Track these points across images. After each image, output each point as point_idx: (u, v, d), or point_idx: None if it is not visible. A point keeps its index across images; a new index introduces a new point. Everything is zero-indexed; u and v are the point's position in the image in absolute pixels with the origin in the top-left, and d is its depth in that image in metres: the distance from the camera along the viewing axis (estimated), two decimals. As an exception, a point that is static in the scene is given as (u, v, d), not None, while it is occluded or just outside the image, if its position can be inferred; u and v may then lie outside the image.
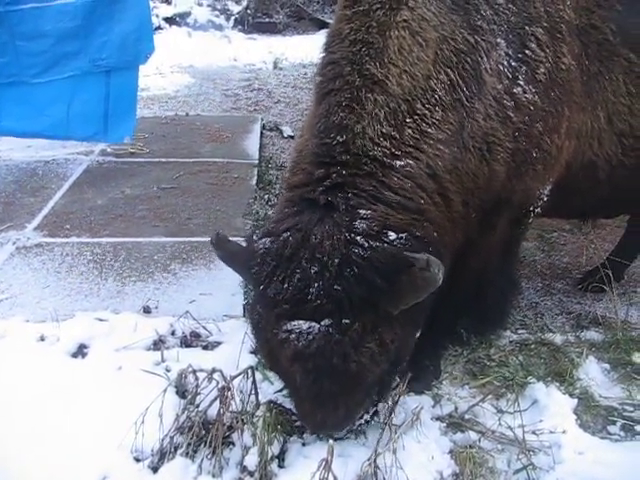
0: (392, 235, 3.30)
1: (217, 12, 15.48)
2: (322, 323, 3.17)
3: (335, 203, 3.36)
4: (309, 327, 3.18)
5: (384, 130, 3.48)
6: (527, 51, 3.75)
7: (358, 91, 3.51)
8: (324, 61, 3.74)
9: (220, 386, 3.66)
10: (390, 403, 3.75)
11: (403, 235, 3.33)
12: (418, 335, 4.38)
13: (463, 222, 3.76)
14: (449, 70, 3.61)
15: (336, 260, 3.19)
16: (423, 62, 3.57)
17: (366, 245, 3.23)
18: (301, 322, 3.19)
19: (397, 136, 3.49)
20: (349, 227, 3.27)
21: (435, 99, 3.56)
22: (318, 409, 3.37)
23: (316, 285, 3.18)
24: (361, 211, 3.33)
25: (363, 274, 3.17)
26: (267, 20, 15.67)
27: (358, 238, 3.24)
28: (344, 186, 3.40)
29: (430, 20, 3.60)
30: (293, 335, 3.20)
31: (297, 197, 3.51)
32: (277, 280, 3.26)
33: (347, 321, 3.16)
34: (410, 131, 3.51)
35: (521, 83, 3.71)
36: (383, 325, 3.24)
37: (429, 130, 3.53)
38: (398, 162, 3.47)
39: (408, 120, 3.51)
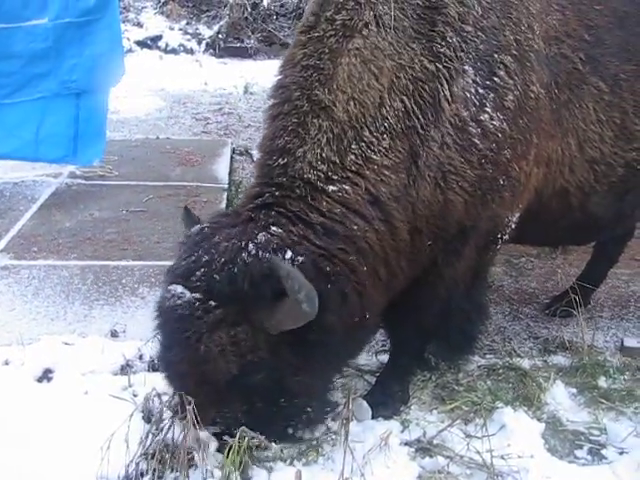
0: (288, 254, 3.40)
1: (189, 36, 15.50)
2: (193, 294, 3.36)
3: (255, 219, 3.52)
4: (182, 292, 3.40)
5: (324, 155, 3.57)
6: (495, 78, 3.79)
7: (305, 116, 3.61)
8: (276, 85, 3.85)
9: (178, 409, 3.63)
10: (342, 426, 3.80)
11: (300, 258, 3.41)
12: (391, 360, 4.41)
13: (412, 250, 3.79)
14: (405, 98, 3.65)
15: (223, 259, 3.35)
16: (374, 90, 3.62)
17: (253, 252, 3.37)
18: (179, 287, 3.41)
19: (337, 161, 3.57)
20: (250, 236, 3.42)
21: (385, 127, 3.61)
22: (172, 379, 3.58)
23: (202, 270, 3.40)
24: (273, 227, 3.47)
25: (237, 275, 3.31)
26: (238, 45, 15.69)
27: (251, 246, 3.38)
28: (272, 205, 3.55)
29: (384, 49, 3.65)
30: (168, 295, 3.46)
31: (232, 209, 3.83)
32: (181, 257, 3.54)
33: (212, 303, 3.33)
34: (353, 157, 3.59)
35: (488, 110, 3.75)
36: (244, 327, 3.36)
37: (374, 157, 3.60)
38: (331, 187, 3.56)
39: (354, 146, 3.59)
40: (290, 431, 3.76)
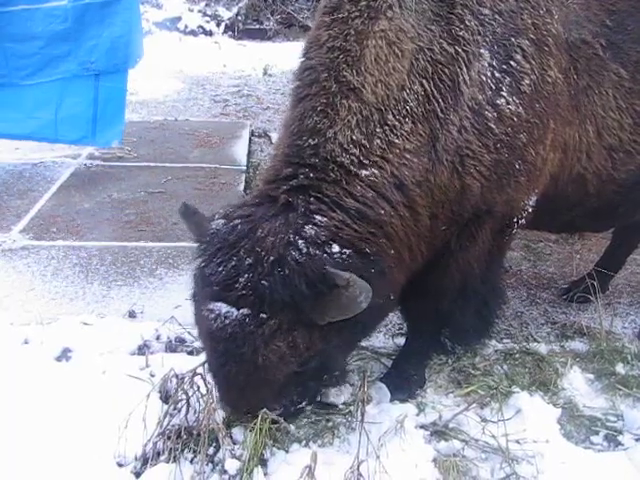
0: (335, 248, 3.36)
1: (208, 18, 15.48)
2: (241, 311, 3.26)
3: (294, 204, 3.44)
4: (227, 312, 3.28)
5: (354, 137, 3.54)
6: (512, 62, 3.75)
7: (333, 97, 3.57)
8: (302, 66, 3.80)
9: (201, 390, 3.67)
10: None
11: (347, 251, 3.38)
12: (408, 343, 4.42)
13: (430, 235, 3.79)
14: (424, 81, 3.63)
15: (271, 258, 3.27)
16: (398, 72, 3.60)
17: (304, 251, 3.29)
18: (222, 305, 3.30)
19: (366, 144, 3.55)
20: (297, 229, 3.35)
21: (407, 110, 3.59)
22: (227, 391, 3.48)
23: (246, 276, 3.27)
24: (317, 217, 3.41)
25: (291, 277, 3.24)
26: (257, 26, 15.68)
27: (300, 242, 3.31)
28: (308, 189, 3.49)
29: (407, 31, 3.63)
30: (212, 315, 3.32)
31: (261, 191, 3.64)
32: (215, 261, 3.37)
33: (264, 316, 3.25)
34: (379, 141, 3.56)
35: (504, 94, 3.72)
36: (300, 330, 3.32)
37: (396, 141, 3.57)
38: (364, 171, 3.54)
39: (378, 130, 3.56)
40: (319, 398, 3.93)
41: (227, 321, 3.27)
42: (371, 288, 3.29)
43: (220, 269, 3.33)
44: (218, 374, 3.47)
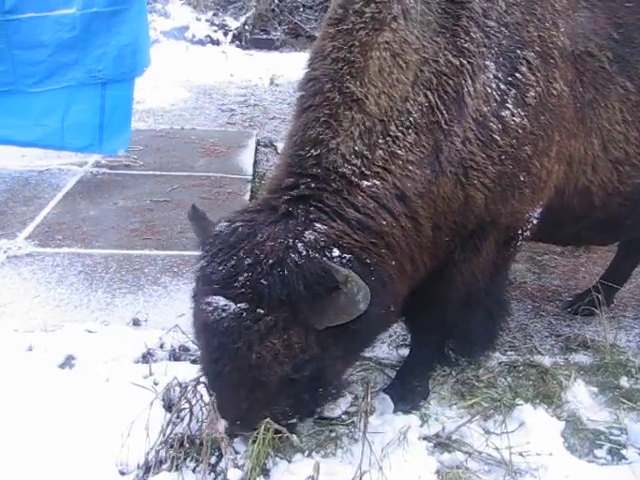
0: (335, 252, 3.38)
1: (215, 27, 15.53)
2: (238, 305, 3.29)
3: (294, 214, 3.46)
4: (225, 305, 3.31)
5: (357, 148, 3.56)
6: (517, 74, 3.76)
7: (337, 108, 3.59)
8: (306, 77, 3.82)
9: (204, 399, 3.66)
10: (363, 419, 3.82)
11: (347, 256, 3.40)
12: (412, 354, 4.41)
13: (432, 246, 3.79)
14: (429, 92, 3.64)
15: (271, 260, 3.29)
16: (402, 84, 3.62)
17: (304, 253, 3.32)
18: (221, 299, 3.33)
19: (369, 155, 3.56)
20: (297, 235, 3.37)
21: (410, 121, 3.61)
22: (220, 393, 3.47)
23: (245, 275, 3.31)
24: (317, 224, 3.43)
25: (290, 278, 3.26)
26: (265, 36, 15.74)
27: (300, 245, 3.34)
28: (309, 199, 3.52)
29: (412, 43, 3.65)
30: (210, 308, 3.34)
31: (262, 200, 3.68)
32: (216, 261, 3.41)
33: (261, 312, 3.27)
34: (381, 152, 3.58)
35: (509, 106, 3.72)
36: (296, 330, 3.33)
37: (399, 152, 3.59)
38: (365, 182, 3.55)
39: (380, 141, 3.58)
40: (318, 410, 3.89)
41: (224, 314, 3.30)
42: (370, 295, 3.30)
43: (220, 268, 3.38)
44: (211, 371, 3.47)
